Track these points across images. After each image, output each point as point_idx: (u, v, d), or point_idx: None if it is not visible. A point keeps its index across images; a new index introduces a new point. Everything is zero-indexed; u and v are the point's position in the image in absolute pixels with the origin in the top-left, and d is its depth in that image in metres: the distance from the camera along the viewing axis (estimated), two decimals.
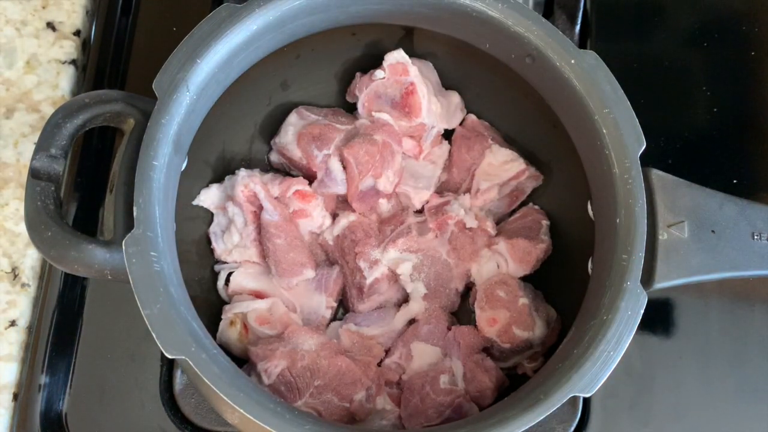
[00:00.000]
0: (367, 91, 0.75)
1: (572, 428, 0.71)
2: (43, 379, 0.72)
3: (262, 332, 0.70)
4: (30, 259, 0.76)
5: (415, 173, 0.78)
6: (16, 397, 0.73)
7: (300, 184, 0.74)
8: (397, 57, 0.73)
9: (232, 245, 0.73)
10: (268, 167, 0.78)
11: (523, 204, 0.78)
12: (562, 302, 0.72)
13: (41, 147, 0.59)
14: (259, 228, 0.72)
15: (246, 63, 0.66)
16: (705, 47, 0.85)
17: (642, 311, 0.59)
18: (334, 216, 0.76)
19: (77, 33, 0.83)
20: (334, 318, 0.75)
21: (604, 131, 0.63)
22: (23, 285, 0.75)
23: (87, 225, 0.76)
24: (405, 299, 0.75)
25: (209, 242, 0.75)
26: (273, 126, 0.78)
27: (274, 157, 0.78)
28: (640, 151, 0.62)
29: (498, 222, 0.77)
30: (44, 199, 0.59)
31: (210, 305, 0.73)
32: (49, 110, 0.80)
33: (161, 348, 0.55)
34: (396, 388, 0.71)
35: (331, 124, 0.75)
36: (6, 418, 0.72)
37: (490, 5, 0.66)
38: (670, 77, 0.84)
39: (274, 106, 0.78)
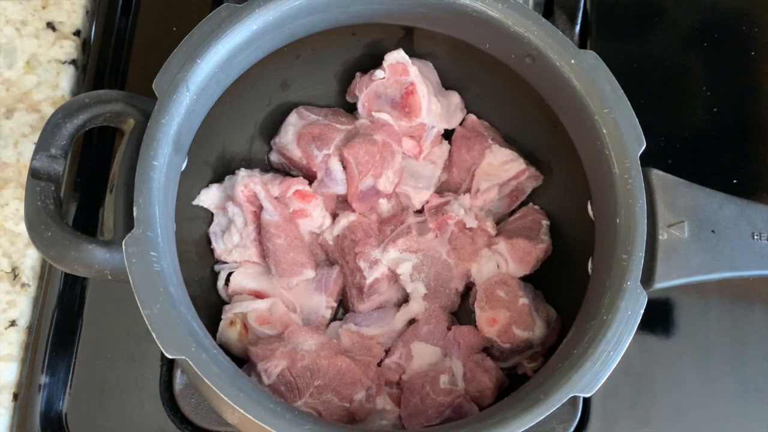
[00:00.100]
0: (367, 91, 0.75)
1: (572, 428, 0.71)
2: (43, 379, 0.72)
3: (262, 332, 0.70)
4: (30, 259, 0.76)
5: (415, 173, 0.78)
6: (16, 397, 0.73)
7: (300, 184, 0.74)
8: (397, 57, 0.73)
9: (232, 245, 0.73)
10: (268, 167, 0.78)
11: (523, 204, 0.78)
12: (562, 302, 0.72)
13: (41, 147, 0.59)
14: (259, 228, 0.72)
15: (246, 63, 0.66)
16: (705, 47, 0.85)
17: (642, 311, 0.59)
18: (334, 216, 0.76)
19: (77, 33, 0.83)
20: (334, 318, 0.75)
21: (604, 131, 0.63)
22: (23, 285, 0.75)
23: (87, 225, 0.76)
24: (405, 299, 0.75)
25: (209, 242, 0.75)
26: (273, 126, 0.78)
27: (274, 157, 0.78)
28: (640, 151, 0.62)
29: (498, 222, 0.77)
30: (44, 199, 0.59)
31: (210, 305, 0.73)
32: (49, 110, 0.80)
33: (161, 348, 0.55)
34: (396, 388, 0.71)
35: (331, 124, 0.75)
36: (6, 418, 0.72)
37: (490, 5, 0.66)
38: (670, 77, 0.84)
39: (274, 106, 0.78)
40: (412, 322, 0.74)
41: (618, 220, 0.61)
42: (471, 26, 0.68)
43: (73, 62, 0.82)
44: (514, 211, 0.78)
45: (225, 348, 0.69)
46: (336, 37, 0.73)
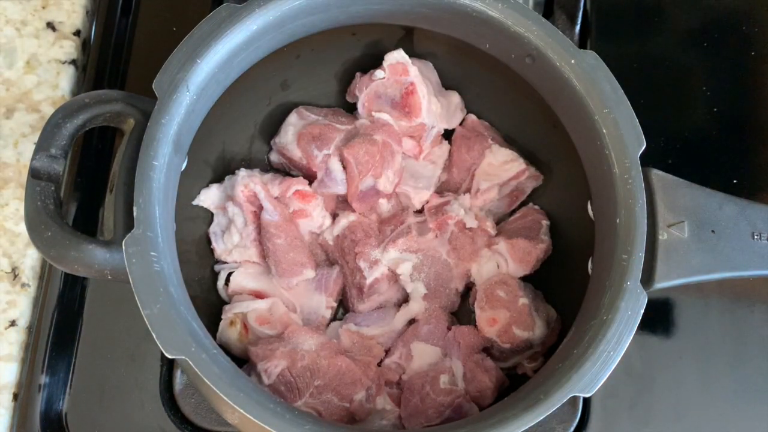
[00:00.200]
0: (367, 91, 0.75)
1: (572, 428, 0.71)
2: (43, 379, 0.72)
3: (262, 332, 0.70)
4: (30, 259, 0.76)
5: (415, 173, 0.78)
6: (16, 397, 0.73)
7: (300, 184, 0.74)
8: (397, 57, 0.73)
9: (232, 245, 0.73)
10: (268, 167, 0.78)
11: (523, 204, 0.78)
12: (562, 302, 0.72)
13: (41, 147, 0.59)
14: (259, 228, 0.72)
15: (246, 63, 0.66)
16: (705, 47, 0.85)
17: (642, 311, 0.59)
18: (334, 216, 0.76)
19: (77, 33, 0.83)
20: (334, 318, 0.75)
21: (604, 131, 0.63)
22: (23, 285, 0.75)
23: (87, 225, 0.76)
24: (405, 299, 0.75)
25: (209, 242, 0.75)
26: (273, 126, 0.78)
27: (274, 157, 0.78)
28: (640, 151, 0.62)
29: (498, 222, 0.77)
30: (44, 199, 0.59)
31: (210, 305, 0.73)
32: (49, 110, 0.80)
33: (161, 348, 0.55)
34: (396, 388, 0.71)
35: (331, 124, 0.75)
36: (6, 418, 0.72)
37: (490, 5, 0.66)
38: (670, 77, 0.84)
39: (274, 106, 0.78)
40: (412, 322, 0.74)
41: (618, 220, 0.61)
42: (471, 26, 0.68)
43: (73, 62, 0.82)
44: (514, 211, 0.78)
45: (225, 348, 0.69)
46: (336, 37, 0.73)
